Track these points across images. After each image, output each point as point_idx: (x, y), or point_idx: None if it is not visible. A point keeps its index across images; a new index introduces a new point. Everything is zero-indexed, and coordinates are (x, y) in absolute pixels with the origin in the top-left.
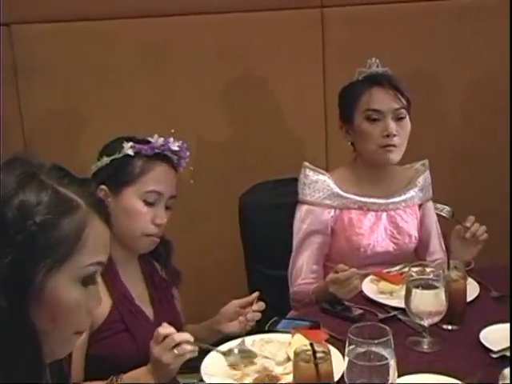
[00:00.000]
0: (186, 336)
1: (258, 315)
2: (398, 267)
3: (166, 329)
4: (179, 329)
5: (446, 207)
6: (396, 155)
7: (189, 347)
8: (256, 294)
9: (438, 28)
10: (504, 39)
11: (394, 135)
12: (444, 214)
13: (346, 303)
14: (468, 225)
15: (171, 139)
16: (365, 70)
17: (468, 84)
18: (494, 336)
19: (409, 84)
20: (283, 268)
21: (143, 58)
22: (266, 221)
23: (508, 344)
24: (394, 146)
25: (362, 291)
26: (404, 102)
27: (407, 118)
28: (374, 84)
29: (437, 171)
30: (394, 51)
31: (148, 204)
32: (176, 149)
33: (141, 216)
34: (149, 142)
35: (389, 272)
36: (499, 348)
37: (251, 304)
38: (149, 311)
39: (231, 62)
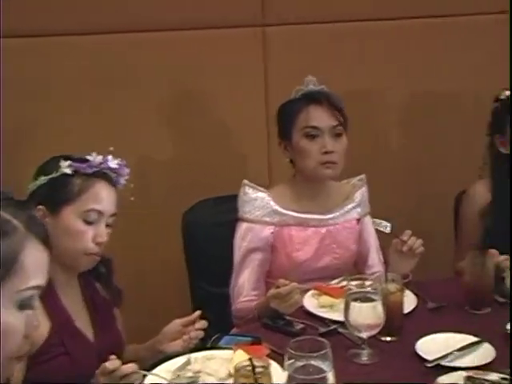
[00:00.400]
0: (133, 367)
1: (201, 333)
2: (336, 280)
3: (113, 364)
4: (121, 350)
5: (384, 222)
6: (334, 171)
7: (135, 376)
8: (198, 312)
9: (376, 45)
10: (440, 55)
11: (332, 152)
12: (382, 229)
13: (288, 318)
14: (405, 238)
15: (110, 157)
16: (302, 88)
17: (406, 99)
18: (429, 346)
19: (349, 100)
20: (227, 285)
21: (85, 75)
22: (210, 238)
23: (442, 353)
24: (333, 162)
25: (303, 306)
26: (341, 118)
27: (344, 134)
28: (312, 102)
29: (376, 186)
30: (335, 68)
31: (88, 223)
32: (115, 166)
33: (81, 235)
34: (87, 161)
35: (328, 285)
36: (434, 357)
37: (194, 323)
38: (89, 333)
39: (173, 78)
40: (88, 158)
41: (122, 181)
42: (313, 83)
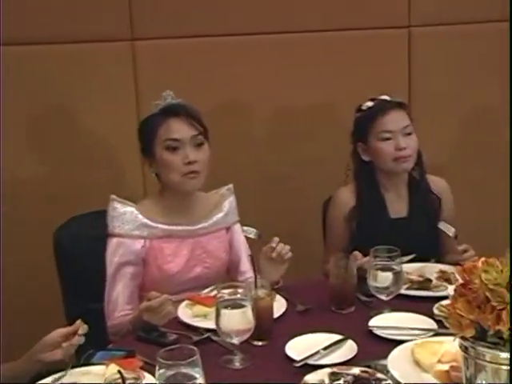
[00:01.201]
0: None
1: (82, 339)
2: (208, 289)
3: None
4: None
5: (253, 229)
6: (199, 181)
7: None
8: (79, 321)
9: (249, 59)
10: (325, 69)
11: (195, 162)
12: (251, 235)
13: (161, 329)
14: (273, 245)
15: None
16: (160, 102)
17: (275, 111)
18: (298, 347)
19: (220, 112)
20: (102, 300)
21: None
22: (85, 254)
23: (310, 353)
24: (196, 172)
25: (177, 316)
26: (200, 128)
27: (206, 144)
28: (171, 115)
29: (245, 195)
30: (206, 82)
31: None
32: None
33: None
34: None
35: (200, 295)
36: (302, 357)
37: (75, 333)
38: None
39: (43, 97)
40: None
41: None
42: (170, 97)
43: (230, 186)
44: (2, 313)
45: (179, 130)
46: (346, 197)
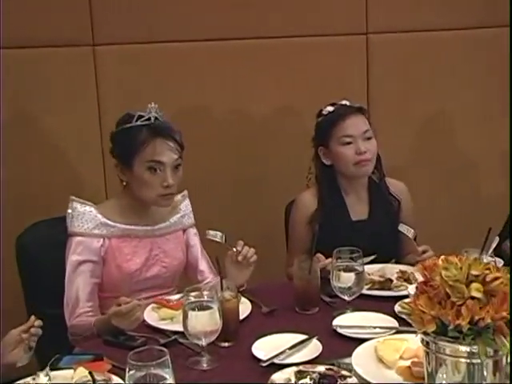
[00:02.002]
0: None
1: (40, 330)
2: (177, 296)
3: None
4: None
5: (218, 232)
6: (171, 201)
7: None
8: (32, 316)
9: (211, 63)
10: (286, 74)
11: (173, 185)
12: (215, 239)
13: (129, 333)
14: (239, 248)
15: None
16: (143, 114)
17: (237, 115)
18: (264, 347)
19: (180, 117)
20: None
21: None
22: (47, 260)
23: (276, 352)
24: (172, 194)
25: (144, 320)
26: (181, 151)
27: (181, 166)
28: (158, 136)
29: (208, 199)
30: (168, 86)
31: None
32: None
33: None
34: None
35: (169, 301)
36: (269, 356)
37: (30, 328)
38: None
39: (4, 101)
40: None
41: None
42: (155, 110)
43: (185, 192)
44: None
45: (164, 153)
46: (308, 200)
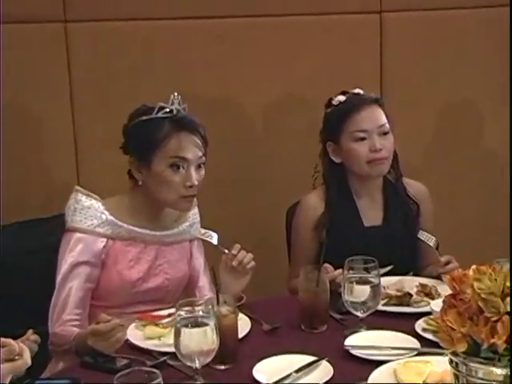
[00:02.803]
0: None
1: (36, 346)
2: (167, 311)
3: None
4: None
5: (213, 233)
6: (192, 204)
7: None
8: (31, 330)
9: (193, 44)
10: (291, 57)
11: (196, 185)
12: (208, 239)
13: (111, 354)
14: (234, 252)
15: None
16: (165, 105)
17: (231, 105)
18: (267, 370)
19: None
20: (39, 321)
21: None
22: (15, 269)
23: (281, 376)
24: (194, 196)
25: (127, 339)
26: (205, 148)
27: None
28: (184, 129)
29: (204, 198)
30: (145, 71)
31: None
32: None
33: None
34: None
35: (154, 313)
36: (272, 381)
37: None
38: None
39: None
40: None
41: None
42: (178, 102)
43: (195, 199)
44: None
45: (189, 149)
46: (314, 203)
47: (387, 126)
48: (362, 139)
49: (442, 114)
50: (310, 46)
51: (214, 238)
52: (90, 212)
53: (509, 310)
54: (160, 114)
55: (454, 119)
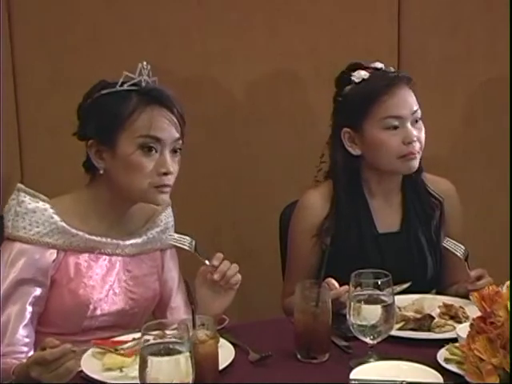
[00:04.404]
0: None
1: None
2: (130, 336)
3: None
4: None
5: (187, 237)
6: (168, 197)
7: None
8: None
9: (163, 13)
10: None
11: (172, 173)
12: (185, 247)
13: None
14: (216, 263)
15: None
16: (132, 75)
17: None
18: None
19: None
20: None
21: None
22: None
23: None
24: (169, 186)
25: (81, 370)
26: (183, 130)
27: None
28: (155, 103)
29: (181, 201)
30: (106, 44)
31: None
32: None
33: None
34: None
35: (114, 339)
36: None
37: None
38: None
39: None
40: None
41: None
42: (147, 73)
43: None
44: None
45: (163, 128)
46: (317, 202)
47: (419, 111)
48: (395, 128)
49: (473, 96)
50: (311, 13)
51: (189, 244)
52: (35, 217)
53: None
54: (125, 87)
55: (488, 103)
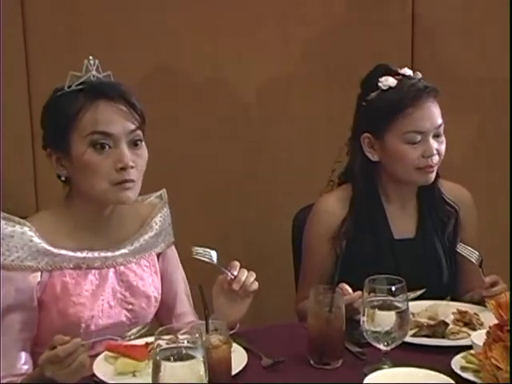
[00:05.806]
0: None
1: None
2: (143, 340)
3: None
4: None
5: (209, 251)
6: (134, 193)
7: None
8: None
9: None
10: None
11: (133, 167)
12: (207, 260)
13: None
14: (235, 273)
15: None
16: (80, 74)
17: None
18: None
19: (135, 87)
20: None
21: None
22: None
23: None
24: (132, 181)
25: (94, 374)
26: (140, 120)
27: (143, 142)
28: (100, 97)
29: (184, 205)
30: (115, 44)
31: None
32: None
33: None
34: None
35: (127, 343)
36: None
37: None
38: None
39: None
40: None
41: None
42: (96, 68)
43: (163, 191)
44: None
45: (112, 120)
46: (334, 206)
47: (443, 125)
48: (417, 142)
49: (491, 97)
50: (316, 7)
51: (211, 258)
52: (13, 242)
53: None
54: (74, 87)
55: (506, 104)
